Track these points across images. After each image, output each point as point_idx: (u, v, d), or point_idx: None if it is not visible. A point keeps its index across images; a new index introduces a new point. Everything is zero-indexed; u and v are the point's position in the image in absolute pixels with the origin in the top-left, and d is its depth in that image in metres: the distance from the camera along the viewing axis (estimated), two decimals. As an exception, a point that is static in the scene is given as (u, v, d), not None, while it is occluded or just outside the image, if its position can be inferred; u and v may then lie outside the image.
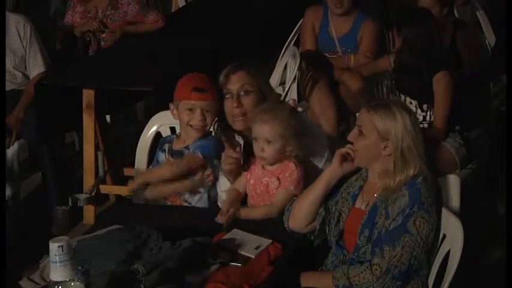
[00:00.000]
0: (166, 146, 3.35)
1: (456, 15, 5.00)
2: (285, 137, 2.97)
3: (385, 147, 2.67)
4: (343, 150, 2.75)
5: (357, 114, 2.82)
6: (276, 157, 2.99)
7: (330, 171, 2.79)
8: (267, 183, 3.03)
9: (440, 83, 3.82)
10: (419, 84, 3.87)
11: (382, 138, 2.67)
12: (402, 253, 2.58)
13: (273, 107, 3.04)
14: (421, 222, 2.59)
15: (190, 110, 3.21)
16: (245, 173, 3.10)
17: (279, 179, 3.00)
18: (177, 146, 3.32)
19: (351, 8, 4.76)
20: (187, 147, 3.26)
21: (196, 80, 3.26)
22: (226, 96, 3.18)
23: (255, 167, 3.08)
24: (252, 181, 3.08)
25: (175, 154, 3.29)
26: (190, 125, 3.23)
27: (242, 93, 3.15)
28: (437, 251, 2.73)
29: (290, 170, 3.00)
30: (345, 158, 2.75)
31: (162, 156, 3.35)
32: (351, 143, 2.74)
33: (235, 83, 3.16)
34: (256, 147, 3.00)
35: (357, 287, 2.62)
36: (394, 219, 2.61)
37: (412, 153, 2.65)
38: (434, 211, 2.65)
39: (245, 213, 2.96)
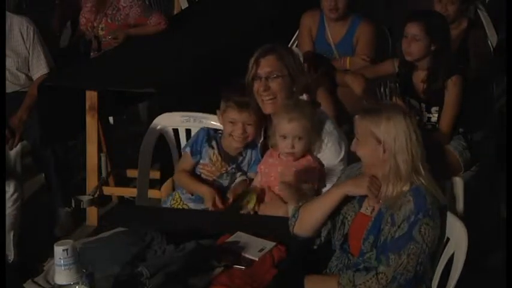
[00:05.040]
0: (214, 144, 3.33)
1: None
2: (311, 132, 3.05)
3: (384, 151, 2.62)
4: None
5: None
6: (304, 151, 3.08)
7: (349, 189, 2.73)
8: (282, 171, 3.08)
9: (453, 86, 3.79)
10: (431, 88, 3.84)
11: (377, 141, 2.63)
12: (408, 261, 2.56)
13: (297, 104, 3.09)
14: (426, 229, 2.56)
15: (233, 122, 3.23)
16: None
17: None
18: (226, 147, 3.32)
19: (346, 13, 4.74)
20: (241, 154, 3.29)
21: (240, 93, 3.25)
22: (255, 79, 3.18)
23: (268, 157, 3.15)
24: (266, 170, 3.14)
25: (227, 157, 3.30)
26: (232, 135, 3.25)
27: (274, 76, 3.16)
28: (441, 254, 2.72)
29: (308, 162, 3.07)
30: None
31: (210, 152, 3.32)
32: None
33: (264, 68, 3.18)
34: (286, 145, 3.05)
35: None
36: (399, 227, 2.58)
37: (407, 158, 2.60)
38: (439, 215, 2.62)
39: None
